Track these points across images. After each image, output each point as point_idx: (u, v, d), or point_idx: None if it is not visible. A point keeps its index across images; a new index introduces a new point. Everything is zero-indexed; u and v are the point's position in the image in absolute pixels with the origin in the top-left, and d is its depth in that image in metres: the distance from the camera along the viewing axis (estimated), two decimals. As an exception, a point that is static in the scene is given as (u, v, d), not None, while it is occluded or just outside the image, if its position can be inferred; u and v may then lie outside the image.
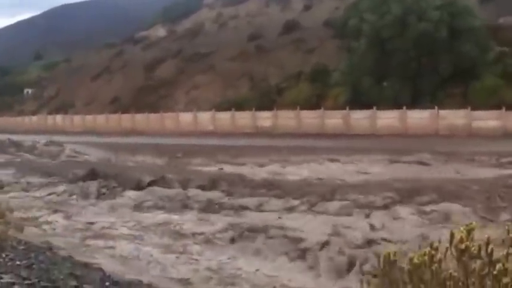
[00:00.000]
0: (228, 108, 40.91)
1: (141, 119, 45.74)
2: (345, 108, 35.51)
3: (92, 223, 11.56)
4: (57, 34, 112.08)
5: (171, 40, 62.69)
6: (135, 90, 52.03)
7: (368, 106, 34.35)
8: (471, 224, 4.39)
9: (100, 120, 49.14)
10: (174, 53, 55.65)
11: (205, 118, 42.17)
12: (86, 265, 7.56)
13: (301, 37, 47.18)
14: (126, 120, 46.86)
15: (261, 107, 39.21)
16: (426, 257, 4.01)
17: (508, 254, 3.94)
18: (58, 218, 12.07)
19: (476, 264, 3.82)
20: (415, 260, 4.01)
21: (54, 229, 11.01)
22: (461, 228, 4.22)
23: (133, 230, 10.95)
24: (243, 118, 40.01)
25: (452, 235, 4.14)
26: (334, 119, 35.80)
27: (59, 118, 54.05)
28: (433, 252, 4.04)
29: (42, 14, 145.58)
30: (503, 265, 3.64)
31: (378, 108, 34.15)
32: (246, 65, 46.68)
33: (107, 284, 6.36)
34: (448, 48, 32.89)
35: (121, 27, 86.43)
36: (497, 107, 30.64)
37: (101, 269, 7.36)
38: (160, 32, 69.83)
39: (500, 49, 34.35)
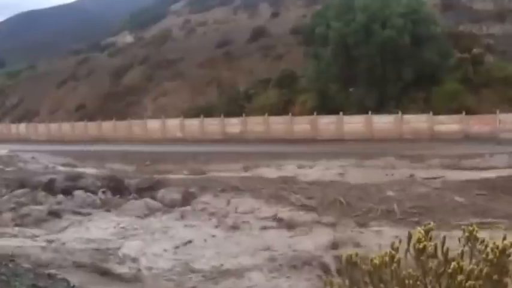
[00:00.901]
0: (197, 115, 40.84)
1: (108, 127, 45.13)
2: (312, 114, 35.93)
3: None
4: (22, 41, 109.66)
5: (138, 46, 62.16)
6: (101, 98, 51.34)
7: (335, 111, 34.86)
8: (429, 224, 4.59)
9: (65, 128, 48.25)
10: (141, 60, 55.20)
11: (173, 125, 41.95)
12: (50, 276, 7.50)
13: (269, 44, 47.51)
14: (92, 128, 46.17)
15: (229, 114, 39.28)
16: (387, 258, 4.18)
17: (462, 253, 4.09)
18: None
19: (434, 263, 3.98)
20: (375, 261, 4.18)
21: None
22: (419, 228, 4.42)
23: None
24: (212, 124, 39.99)
25: (410, 235, 4.32)
26: (301, 125, 36.17)
27: (22, 127, 52.85)
28: (393, 252, 4.19)
29: (5, 21, 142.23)
30: (458, 263, 3.79)
31: (344, 114, 34.67)
32: (214, 72, 46.68)
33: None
34: (411, 55, 33.66)
35: (87, 33, 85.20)
36: (458, 111, 31.59)
37: (65, 279, 7.31)
38: (128, 38, 69.23)
39: (461, 55, 35.37)
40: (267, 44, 47.61)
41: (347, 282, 4.48)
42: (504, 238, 4.10)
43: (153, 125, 42.85)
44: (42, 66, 69.67)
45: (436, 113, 32.15)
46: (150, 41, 61.81)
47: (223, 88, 44.77)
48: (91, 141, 42.00)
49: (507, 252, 3.81)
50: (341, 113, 34.68)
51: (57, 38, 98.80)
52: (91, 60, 63.78)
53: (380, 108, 33.89)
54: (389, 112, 33.63)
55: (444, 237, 4.15)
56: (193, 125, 40.81)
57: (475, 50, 35.67)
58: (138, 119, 44.42)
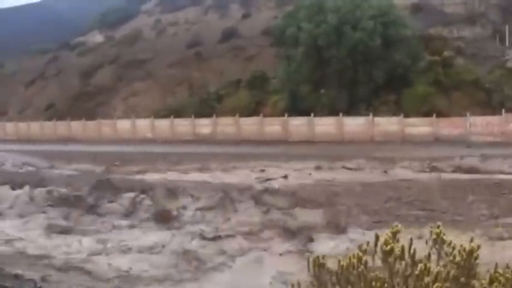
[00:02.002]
0: (167, 116, 40.41)
1: (78, 127, 44.33)
2: (283, 115, 35.90)
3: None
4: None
5: (108, 46, 61.17)
6: (71, 97, 50.42)
7: (306, 113, 34.90)
8: (396, 226, 4.48)
9: (34, 127, 47.18)
10: (111, 59, 54.35)
11: (143, 125, 41.42)
12: (17, 276, 7.26)
13: (240, 45, 47.38)
14: (61, 127, 45.27)
15: (200, 114, 38.99)
16: (354, 259, 4.06)
17: (429, 255, 4.08)
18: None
19: (401, 265, 3.91)
20: (342, 263, 4.06)
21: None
22: (387, 231, 4.30)
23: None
24: (182, 125, 39.62)
25: (377, 237, 4.21)
26: (272, 126, 36.10)
27: (-11, 126, 51.47)
28: (360, 254, 4.09)
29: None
30: (425, 265, 3.73)
31: (315, 115, 34.72)
32: (185, 72, 46.34)
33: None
34: (382, 57, 33.95)
35: (56, 32, 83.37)
36: (428, 114, 31.91)
37: (32, 280, 7.12)
38: (97, 37, 68.07)
39: (431, 58, 35.76)
40: (238, 44, 47.47)
41: (315, 283, 4.43)
42: (471, 240, 4.12)
43: (123, 125, 42.26)
44: (10, 65, 67.95)
45: (406, 116, 32.42)
46: (120, 41, 60.92)
47: (194, 89, 44.46)
48: (60, 141, 41.14)
49: (474, 254, 3.80)
50: (312, 114, 34.71)
51: (26, 37, 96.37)
52: (60, 59, 62.53)
53: (351, 110, 34.05)
54: (360, 114, 33.78)
55: (411, 239, 4.10)
56: (163, 125, 40.38)
57: (445, 53, 36.13)
58: (108, 119, 43.73)
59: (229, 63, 45.24)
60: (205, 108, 39.92)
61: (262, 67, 41.37)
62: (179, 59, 48.20)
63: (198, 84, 44.55)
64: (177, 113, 40.31)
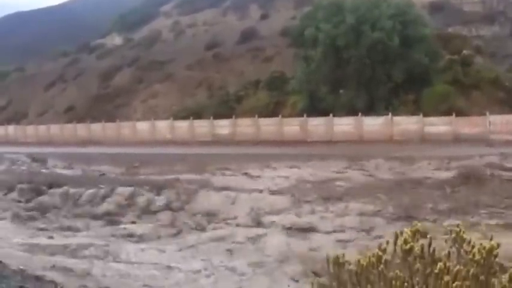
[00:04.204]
0: (186, 117, 40.62)
1: (97, 129, 44.82)
2: (302, 116, 35.84)
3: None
4: (10, 42, 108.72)
5: (127, 48, 61.85)
6: (90, 99, 51.02)
7: (325, 113, 34.78)
8: (416, 225, 4.51)
9: (54, 130, 47.85)
10: (130, 61, 54.88)
11: (163, 127, 41.71)
12: (38, 278, 7.39)
13: (259, 46, 47.43)
14: (81, 129, 45.82)
15: (219, 115, 39.11)
16: (374, 259, 4.09)
17: (449, 254, 4.08)
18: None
19: (420, 264, 3.93)
20: (362, 262, 4.09)
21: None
22: (406, 230, 4.33)
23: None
24: (202, 126, 39.77)
25: (396, 236, 4.25)
26: (291, 126, 36.05)
27: (10, 129, 52.34)
28: (380, 253, 4.12)
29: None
30: (445, 264, 3.74)
31: (334, 115, 34.62)
32: (204, 74, 46.55)
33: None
34: (401, 56, 33.72)
35: (76, 35, 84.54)
36: (448, 113, 31.63)
37: (52, 282, 7.21)
38: (117, 40, 68.84)
39: (450, 57, 35.42)
40: (257, 45, 47.53)
41: (334, 283, 4.45)
42: (491, 239, 4.13)
43: (142, 126, 42.60)
44: (30, 68, 69.11)
45: (426, 115, 32.14)
46: (139, 43, 61.53)
47: (213, 90, 44.63)
48: (80, 143, 41.66)
49: (494, 252, 3.78)
50: (331, 114, 34.63)
51: (46, 39, 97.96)
52: (80, 61, 63.38)
53: (370, 110, 33.86)
54: (379, 114, 33.57)
55: (430, 238, 4.11)
56: (182, 126, 40.58)
57: (464, 52, 35.76)
58: (128, 121, 44.13)
59: (248, 64, 45.34)
60: (224, 109, 40.05)
61: (281, 68, 41.37)
62: (198, 60, 48.45)
63: (217, 85, 44.72)
64: (196, 114, 40.51)
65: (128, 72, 52.93)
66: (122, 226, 13.58)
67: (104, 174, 21.06)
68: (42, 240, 11.89)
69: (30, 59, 75.50)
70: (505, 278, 3.62)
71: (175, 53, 51.33)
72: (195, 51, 49.93)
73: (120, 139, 41.59)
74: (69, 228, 13.53)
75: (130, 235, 12.55)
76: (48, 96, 57.12)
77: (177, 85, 46.97)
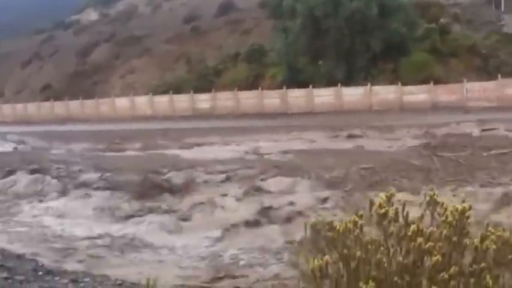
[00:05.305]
0: (166, 92, 40.33)
1: (75, 106, 44.26)
2: (282, 88, 35.85)
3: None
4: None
5: (103, 24, 60.81)
6: (67, 77, 50.25)
7: (304, 85, 34.83)
8: (391, 190, 4.61)
9: (31, 108, 47.18)
10: (107, 37, 54.03)
11: (142, 102, 41.39)
12: (19, 256, 7.40)
13: (237, 18, 47.02)
14: (59, 107, 45.22)
15: (199, 89, 38.92)
16: (350, 224, 4.14)
17: (422, 216, 4.18)
18: None
19: (395, 228, 3.99)
20: (338, 228, 4.14)
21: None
22: (381, 195, 4.44)
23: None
24: (182, 101, 39.57)
25: (371, 202, 4.34)
26: (272, 99, 36.10)
27: (-14, 108, 51.44)
28: (356, 219, 4.17)
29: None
30: (418, 226, 3.79)
31: (314, 87, 34.69)
32: (183, 48, 46.08)
33: (40, 273, 6.26)
34: (379, 26, 33.69)
35: (51, 11, 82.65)
36: (426, 81, 31.91)
37: (33, 260, 7.23)
38: (92, 15, 67.56)
39: (428, 26, 35.56)
40: (235, 18, 47.11)
41: (313, 249, 4.54)
42: (463, 201, 4.24)
43: (122, 103, 42.21)
44: (5, 46, 67.43)
45: (404, 84, 32.38)
46: (115, 18, 60.55)
47: (192, 64, 44.28)
48: (58, 121, 41.17)
49: (466, 214, 3.84)
50: (311, 86, 34.68)
51: (20, 16, 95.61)
52: (55, 39, 62.17)
53: (349, 80, 33.97)
54: (359, 84, 33.75)
55: (404, 202, 4.19)
56: (162, 102, 40.33)
57: (442, 20, 35.92)
58: (106, 98, 43.64)
59: (226, 37, 44.98)
60: (204, 83, 39.84)
61: (260, 40, 41.12)
62: (176, 35, 47.90)
63: (196, 59, 44.35)
64: (176, 88, 40.23)
65: (105, 48, 52.15)
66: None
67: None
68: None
69: (4, 36, 73.75)
70: (477, 239, 3.72)
71: (152, 27, 50.64)
72: (173, 25, 49.32)
73: (99, 116, 41.21)
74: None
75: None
76: (25, 75, 56.14)
77: (155, 60, 46.48)
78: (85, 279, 6.23)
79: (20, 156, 17.54)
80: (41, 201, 12.15)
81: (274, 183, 11.92)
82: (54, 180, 13.43)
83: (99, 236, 9.18)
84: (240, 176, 12.68)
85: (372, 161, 13.40)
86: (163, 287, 5.81)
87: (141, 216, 10.43)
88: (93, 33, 57.48)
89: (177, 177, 12.65)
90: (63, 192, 12.68)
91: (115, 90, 45.82)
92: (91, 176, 13.47)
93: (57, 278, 6.15)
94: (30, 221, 10.46)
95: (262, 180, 12.23)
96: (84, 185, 12.87)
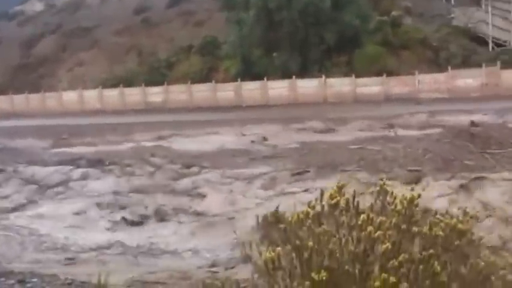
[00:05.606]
0: (116, 85, 39.11)
1: (20, 100, 42.40)
2: (236, 80, 35.45)
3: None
4: None
5: (49, 14, 58.53)
6: (11, 70, 48.05)
7: (259, 77, 34.58)
8: (342, 181, 4.61)
9: (-27, 103, 44.92)
10: (53, 29, 52.02)
11: (91, 96, 39.99)
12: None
13: (189, 10, 46.16)
14: (2, 102, 43.19)
15: (150, 82, 37.96)
16: (303, 215, 4.02)
17: (371, 205, 4.19)
18: None
19: (346, 217, 3.91)
20: (291, 219, 4.07)
21: None
22: (333, 185, 4.33)
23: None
24: (133, 94, 38.49)
25: (322, 192, 4.24)
26: (226, 92, 35.65)
27: None
28: (308, 210, 4.07)
29: None
30: (368, 216, 3.76)
31: (268, 79, 34.46)
32: (133, 40, 44.90)
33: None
34: (332, 19, 33.76)
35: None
36: (379, 73, 32.28)
37: (21, 273, 6.97)
38: (37, 6, 64.91)
39: (380, 18, 35.96)
40: (187, 9, 46.27)
41: (266, 241, 4.62)
42: (412, 189, 4.56)
43: (69, 97, 40.72)
44: None
45: (358, 76, 32.63)
46: (62, 8, 58.43)
47: (143, 56, 43.24)
48: (2, 116, 39.30)
49: (415, 202, 3.98)
50: (265, 78, 34.43)
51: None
52: (-1, 30, 59.46)
53: (303, 72, 33.94)
54: (313, 76, 33.78)
55: (355, 192, 4.18)
56: (112, 95, 39.12)
57: (394, 13, 36.42)
58: (53, 91, 41.98)
59: (179, 29, 44.11)
60: (156, 76, 38.92)
61: (213, 32, 40.45)
62: (126, 26, 46.62)
63: (148, 52, 43.32)
64: (127, 82, 39.11)
65: (51, 40, 50.21)
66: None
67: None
68: None
69: None
70: (426, 226, 3.85)
71: (101, 18, 49.13)
72: (123, 16, 48.00)
73: (45, 111, 39.61)
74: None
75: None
76: (-34, 68, 53.44)
77: (104, 52, 45.09)
78: (33, 280, 6.19)
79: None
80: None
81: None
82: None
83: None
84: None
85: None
86: (114, 286, 5.73)
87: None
88: (39, 24, 55.29)
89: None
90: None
91: (62, 83, 44.15)
92: None
93: (2, 279, 6.06)
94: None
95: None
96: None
